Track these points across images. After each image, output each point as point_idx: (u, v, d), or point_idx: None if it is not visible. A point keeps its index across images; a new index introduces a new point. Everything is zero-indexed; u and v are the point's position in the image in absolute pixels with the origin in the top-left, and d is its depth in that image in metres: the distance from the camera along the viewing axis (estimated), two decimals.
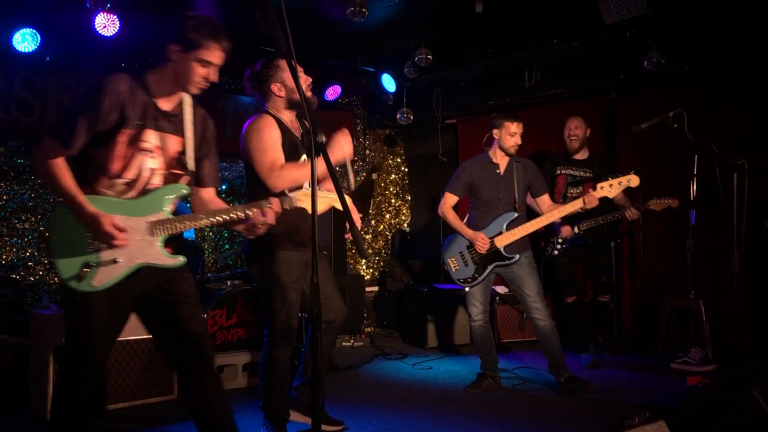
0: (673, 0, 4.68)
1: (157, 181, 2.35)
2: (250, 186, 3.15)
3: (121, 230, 2.20)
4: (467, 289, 4.24)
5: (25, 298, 4.72)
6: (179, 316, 2.40)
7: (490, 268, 4.16)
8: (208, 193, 2.59)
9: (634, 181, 4.03)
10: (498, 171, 4.21)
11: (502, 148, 4.19)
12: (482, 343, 4.27)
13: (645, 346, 5.46)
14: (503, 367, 4.54)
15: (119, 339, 3.71)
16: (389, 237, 7.76)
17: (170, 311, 2.41)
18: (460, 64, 6.07)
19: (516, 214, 4.15)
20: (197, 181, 2.55)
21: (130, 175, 2.29)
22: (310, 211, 2.40)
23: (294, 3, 4.68)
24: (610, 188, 4.05)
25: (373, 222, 7.69)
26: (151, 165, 2.33)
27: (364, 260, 7.46)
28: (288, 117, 3.19)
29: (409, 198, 8.00)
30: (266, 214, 2.41)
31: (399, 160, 7.96)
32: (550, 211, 4.14)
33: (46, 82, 5.01)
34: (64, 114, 2.32)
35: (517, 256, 4.11)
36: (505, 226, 4.12)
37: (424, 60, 5.53)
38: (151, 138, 2.32)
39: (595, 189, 4.08)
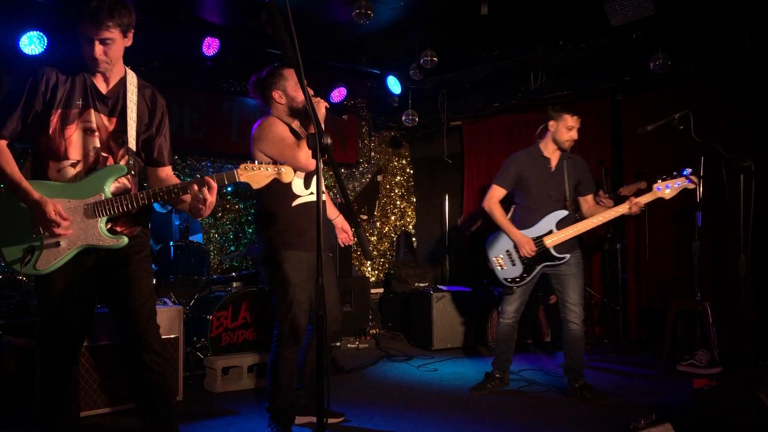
0: (679, 2, 4.67)
1: (102, 161, 2.38)
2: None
3: (64, 218, 2.25)
4: (515, 288, 4.06)
5: (31, 300, 4.72)
6: (122, 308, 2.44)
7: (539, 268, 3.99)
8: (164, 172, 2.59)
9: (692, 183, 3.80)
10: (549, 166, 4.03)
11: (556, 141, 4.00)
12: (503, 342, 4.17)
13: (651, 348, 5.45)
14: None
15: None
16: (394, 239, 7.76)
17: (116, 298, 2.45)
18: (466, 66, 6.07)
19: (566, 212, 3.98)
20: (151, 161, 2.56)
21: (76, 155, 2.33)
22: (253, 186, 2.41)
23: (299, 5, 4.69)
24: (667, 190, 3.81)
25: (378, 224, 7.69)
26: (95, 145, 2.37)
27: (369, 262, 7.46)
28: (293, 123, 3.23)
29: (414, 200, 7.99)
30: (206, 191, 2.31)
31: (404, 161, 7.96)
32: (597, 213, 3.97)
33: None
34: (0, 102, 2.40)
35: (568, 256, 3.96)
36: (555, 225, 3.96)
37: (429, 62, 5.53)
38: (93, 118, 2.36)
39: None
